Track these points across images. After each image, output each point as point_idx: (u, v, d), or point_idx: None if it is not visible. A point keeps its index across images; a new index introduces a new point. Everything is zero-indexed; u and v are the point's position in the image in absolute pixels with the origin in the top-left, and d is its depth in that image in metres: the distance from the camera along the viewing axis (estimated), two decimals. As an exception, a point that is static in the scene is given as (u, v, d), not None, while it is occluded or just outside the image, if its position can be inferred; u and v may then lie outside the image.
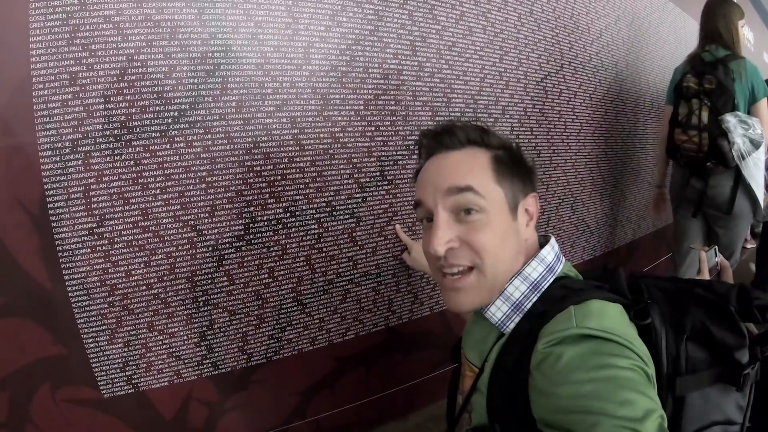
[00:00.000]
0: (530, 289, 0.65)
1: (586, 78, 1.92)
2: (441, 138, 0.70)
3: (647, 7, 2.30)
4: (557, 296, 0.62)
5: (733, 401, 0.61)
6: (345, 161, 1.26)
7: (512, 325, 0.64)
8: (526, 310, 0.64)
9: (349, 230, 1.30)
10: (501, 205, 0.65)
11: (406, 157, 1.36)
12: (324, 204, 1.25)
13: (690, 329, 0.60)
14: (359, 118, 1.26)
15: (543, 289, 0.65)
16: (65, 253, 1.01)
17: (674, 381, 0.58)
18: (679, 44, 2.65)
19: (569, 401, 0.48)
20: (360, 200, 1.30)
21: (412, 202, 0.72)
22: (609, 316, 0.57)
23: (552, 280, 0.66)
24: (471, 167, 0.66)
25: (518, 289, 0.65)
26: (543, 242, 0.72)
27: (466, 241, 0.63)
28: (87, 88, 0.97)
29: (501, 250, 0.64)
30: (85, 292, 1.04)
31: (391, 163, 1.34)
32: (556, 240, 0.72)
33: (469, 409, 0.71)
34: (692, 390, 0.59)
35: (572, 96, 1.86)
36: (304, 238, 1.24)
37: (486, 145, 0.69)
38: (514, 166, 0.69)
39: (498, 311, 0.65)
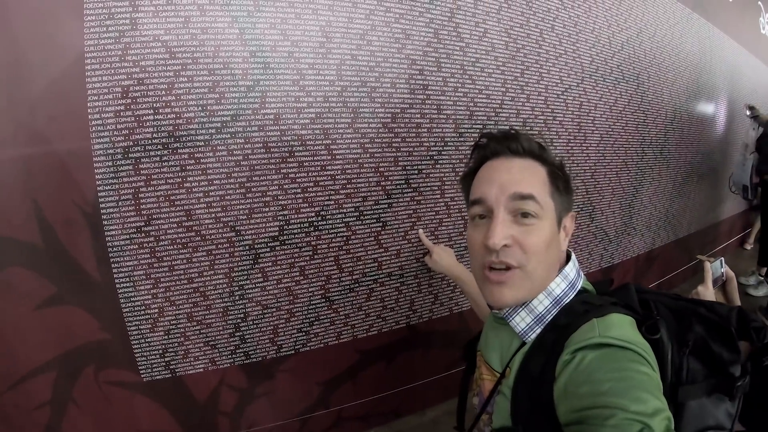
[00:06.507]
0: (552, 304, 0.69)
1: (606, 90, 1.93)
2: (508, 142, 0.73)
3: (670, 18, 2.29)
4: (580, 311, 0.66)
5: (724, 409, 0.66)
6: (373, 170, 1.31)
7: (533, 335, 0.69)
8: (546, 321, 0.68)
9: (375, 233, 1.36)
10: (552, 216, 0.70)
11: (430, 166, 1.41)
12: (353, 209, 1.31)
13: (692, 344, 0.66)
14: (387, 130, 1.32)
15: (564, 304, 0.69)
16: (114, 249, 1.10)
17: (676, 390, 0.64)
18: (704, 55, 2.63)
19: (589, 399, 0.53)
20: (386, 206, 1.36)
21: (472, 199, 0.74)
22: (627, 329, 0.61)
23: (573, 295, 0.71)
24: (534, 178, 0.70)
25: (542, 303, 0.69)
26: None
27: (519, 242, 0.66)
28: (137, 100, 1.05)
29: (545, 255, 0.68)
30: (132, 283, 1.13)
31: (416, 172, 1.39)
32: (574, 249, 0.77)
33: (489, 411, 0.75)
34: (691, 398, 0.64)
35: (592, 108, 1.88)
36: (333, 240, 1.30)
37: (543, 160, 0.73)
38: (562, 185, 0.74)
39: (522, 322, 0.70)
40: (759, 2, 3.47)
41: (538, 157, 0.73)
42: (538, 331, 0.69)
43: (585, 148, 1.90)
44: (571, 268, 0.73)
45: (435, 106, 1.39)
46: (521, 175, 0.70)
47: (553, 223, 0.71)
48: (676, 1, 2.31)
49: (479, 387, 0.81)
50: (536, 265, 0.68)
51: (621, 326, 0.61)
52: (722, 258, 1.05)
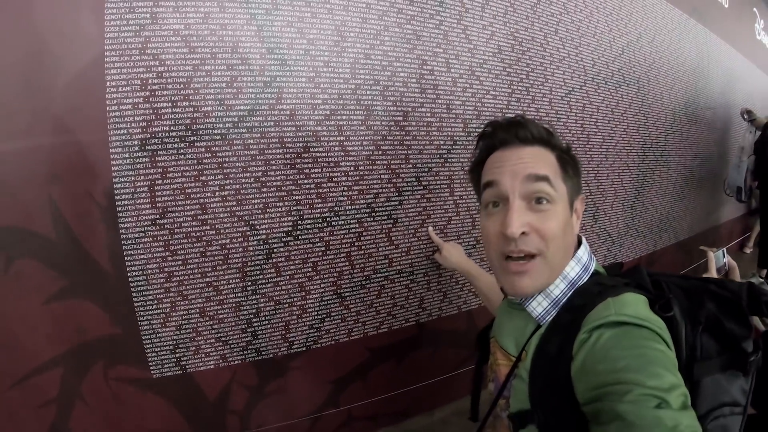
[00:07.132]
0: (568, 287, 0.70)
1: (608, 93, 1.97)
2: (516, 130, 0.73)
3: (669, 23, 2.34)
4: (594, 291, 0.67)
5: (738, 386, 0.66)
6: (384, 167, 1.33)
7: (549, 318, 0.70)
8: (561, 304, 0.69)
9: (387, 230, 1.37)
10: (564, 200, 0.71)
11: (440, 164, 1.43)
12: (365, 205, 1.32)
13: (705, 321, 0.67)
14: (398, 128, 1.34)
15: (578, 286, 0.70)
16: (128, 241, 1.09)
17: (691, 367, 0.64)
18: (701, 59, 2.68)
19: (606, 376, 0.53)
20: (397, 203, 1.37)
21: (484, 182, 0.74)
22: (641, 307, 0.62)
23: (587, 278, 0.72)
24: (546, 161, 0.71)
25: (558, 287, 0.70)
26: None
27: (536, 229, 0.67)
28: (156, 93, 1.06)
29: (562, 240, 0.69)
30: (144, 277, 1.12)
31: (426, 169, 1.41)
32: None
33: (506, 395, 0.75)
34: (706, 375, 0.65)
35: (595, 110, 1.91)
36: (345, 236, 1.31)
37: (552, 146, 0.74)
38: (571, 169, 0.74)
39: (539, 306, 0.70)
40: (754, 9, 3.54)
41: (547, 143, 0.74)
42: (554, 313, 0.70)
43: (588, 149, 1.93)
44: (584, 252, 0.75)
45: (445, 106, 1.41)
46: (533, 159, 0.71)
47: (566, 207, 0.72)
48: (673, 7, 2.36)
49: (495, 373, 0.82)
50: (555, 250, 0.69)
51: (636, 305, 0.63)
52: (724, 249, 1.07)
